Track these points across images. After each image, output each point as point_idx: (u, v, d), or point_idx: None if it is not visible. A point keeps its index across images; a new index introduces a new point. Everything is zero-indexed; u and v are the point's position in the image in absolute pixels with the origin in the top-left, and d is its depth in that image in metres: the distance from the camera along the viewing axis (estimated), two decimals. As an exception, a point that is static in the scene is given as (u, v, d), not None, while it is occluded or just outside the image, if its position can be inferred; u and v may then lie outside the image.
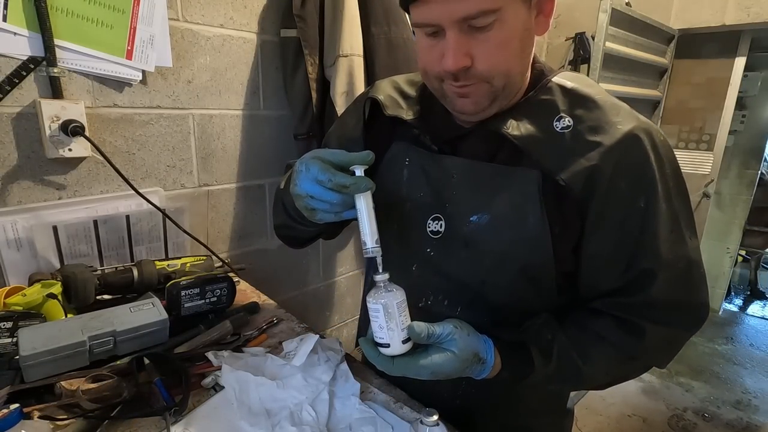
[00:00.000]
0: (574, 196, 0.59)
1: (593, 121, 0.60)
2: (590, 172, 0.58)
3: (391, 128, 0.75)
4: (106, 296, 0.98)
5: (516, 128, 0.61)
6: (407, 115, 0.71)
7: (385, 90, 0.75)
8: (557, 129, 0.60)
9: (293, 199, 0.61)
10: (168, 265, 1.03)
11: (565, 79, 0.65)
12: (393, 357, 0.56)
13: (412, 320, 0.56)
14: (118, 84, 1.06)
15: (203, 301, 0.93)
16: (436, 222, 0.68)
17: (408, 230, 0.71)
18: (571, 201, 0.60)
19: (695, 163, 3.15)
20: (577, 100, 0.62)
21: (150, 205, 1.05)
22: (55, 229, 0.99)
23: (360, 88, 1.28)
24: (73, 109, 0.98)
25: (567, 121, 0.60)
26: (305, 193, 0.58)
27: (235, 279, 1.03)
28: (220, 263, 1.13)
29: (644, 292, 0.61)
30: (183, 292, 0.90)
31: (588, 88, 0.64)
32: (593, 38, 2.12)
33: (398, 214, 0.71)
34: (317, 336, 0.82)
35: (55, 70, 0.94)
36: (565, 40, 2.51)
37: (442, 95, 0.64)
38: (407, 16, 0.68)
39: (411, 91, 0.75)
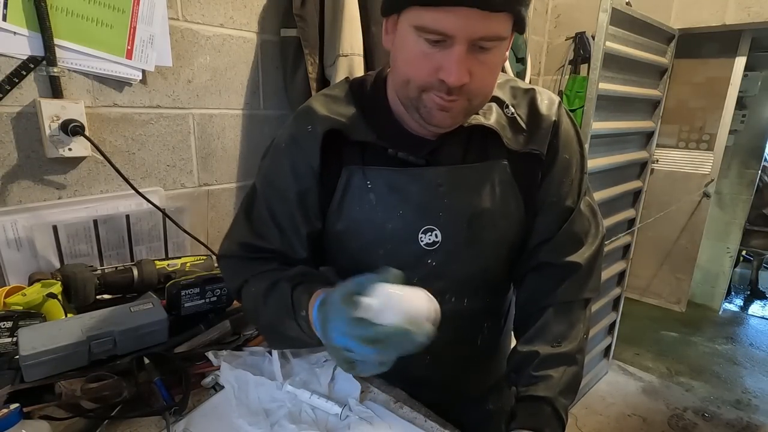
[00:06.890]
0: (541, 160, 0.70)
1: (522, 100, 0.71)
2: (549, 136, 0.69)
3: (336, 155, 0.67)
4: (106, 296, 0.98)
5: (486, 119, 0.68)
6: (370, 137, 0.66)
7: (329, 114, 0.66)
8: (508, 115, 0.70)
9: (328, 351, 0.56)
10: (168, 264, 1.03)
11: None
12: None
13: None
14: (118, 83, 1.06)
15: (203, 300, 0.93)
16: (430, 233, 0.67)
17: (398, 250, 0.68)
18: (538, 165, 0.70)
19: (695, 163, 3.15)
20: (505, 90, 0.72)
21: (150, 205, 1.05)
22: (55, 228, 0.99)
23: (360, 87, 1.28)
24: (73, 108, 0.98)
25: (511, 107, 0.70)
26: (342, 345, 0.52)
27: (235, 279, 1.03)
28: (220, 263, 1.13)
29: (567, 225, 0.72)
30: (183, 292, 0.90)
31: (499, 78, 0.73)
32: (593, 38, 2.12)
33: (380, 239, 0.68)
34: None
35: (55, 70, 0.94)
36: (565, 40, 2.51)
37: (415, 106, 0.61)
38: (400, 15, 0.58)
39: (349, 110, 0.67)
